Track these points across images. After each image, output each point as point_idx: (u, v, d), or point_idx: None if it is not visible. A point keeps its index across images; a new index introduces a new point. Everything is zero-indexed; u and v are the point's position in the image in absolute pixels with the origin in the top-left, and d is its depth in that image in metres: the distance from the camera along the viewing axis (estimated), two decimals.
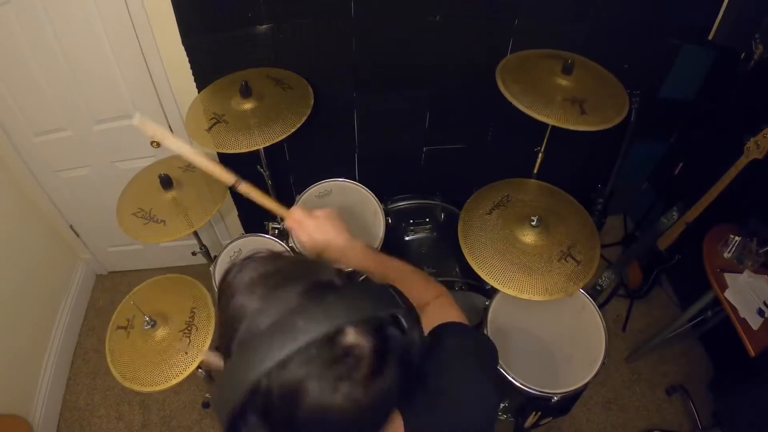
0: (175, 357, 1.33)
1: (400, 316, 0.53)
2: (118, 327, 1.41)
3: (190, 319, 1.40)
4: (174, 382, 1.30)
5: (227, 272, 0.58)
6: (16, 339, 1.97)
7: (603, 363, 1.49)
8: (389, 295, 0.56)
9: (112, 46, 1.66)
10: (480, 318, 1.65)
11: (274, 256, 0.60)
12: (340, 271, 0.59)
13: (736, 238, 1.67)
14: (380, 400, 0.52)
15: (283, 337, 0.48)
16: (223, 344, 0.56)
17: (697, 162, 2.17)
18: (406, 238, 1.96)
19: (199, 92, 1.75)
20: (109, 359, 1.36)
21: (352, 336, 0.50)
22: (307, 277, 0.56)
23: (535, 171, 1.82)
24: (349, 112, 1.99)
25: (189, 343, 1.35)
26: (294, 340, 0.48)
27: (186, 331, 1.37)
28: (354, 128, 2.05)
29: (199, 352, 1.34)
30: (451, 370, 0.75)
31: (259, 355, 0.48)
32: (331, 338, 0.49)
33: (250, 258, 0.59)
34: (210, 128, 1.54)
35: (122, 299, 1.50)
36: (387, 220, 1.81)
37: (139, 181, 1.76)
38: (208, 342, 1.36)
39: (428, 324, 0.81)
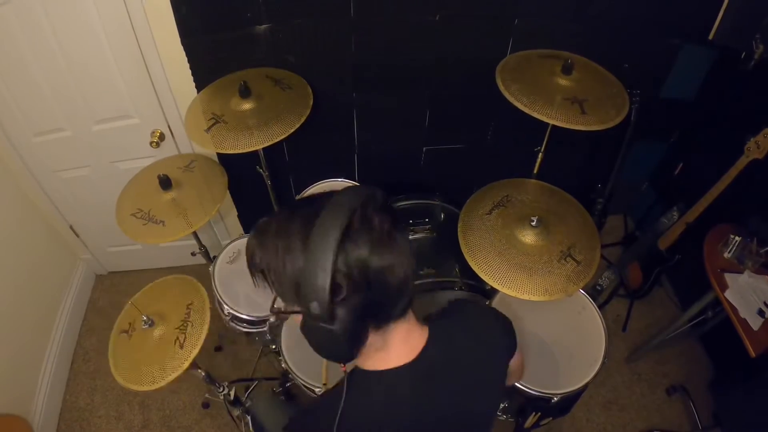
0: (171, 353, 1.33)
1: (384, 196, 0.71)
2: (122, 332, 1.41)
3: (186, 316, 1.39)
4: (170, 378, 1.30)
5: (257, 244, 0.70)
6: (16, 339, 1.97)
7: (603, 363, 1.49)
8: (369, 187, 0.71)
9: (111, 47, 1.66)
10: None
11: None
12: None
13: (737, 238, 1.67)
14: (409, 248, 0.69)
15: (334, 213, 0.62)
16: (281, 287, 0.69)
17: (697, 162, 2.17)
18: None
19: (198, 92, 1.74)
20: (111, 364, 1.36)
21: (373, 204, 0.66)
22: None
23: (535, 171, 1.82)
24: (349, 112, 1.99)
25: (185, 339, 1.35)
26: (342, 210, 0.62)
27: (182, 327, 1.37)
28: (354, 128, 2.05)
29: (194, 347, 1.33)
30: (471, 307, 0.96)
31: (326, 231, 0.61)
32: (365, 206, 0.65)
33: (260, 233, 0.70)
34: (209, 128, 1.54)
35: (122, 299, 1.49)
36: None
37: (138, 182, 1.76)
38: (203, 336, 1.36)
39: None
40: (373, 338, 0.71)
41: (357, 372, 0.77)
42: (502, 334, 0.91)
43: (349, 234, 0.62)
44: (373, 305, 0.67)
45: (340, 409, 0.71)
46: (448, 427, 0.81)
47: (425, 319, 0.82)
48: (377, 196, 0.68)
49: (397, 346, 0.74)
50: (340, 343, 0.65)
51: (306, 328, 0.66)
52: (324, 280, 0.60)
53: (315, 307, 0.62)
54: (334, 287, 0.61)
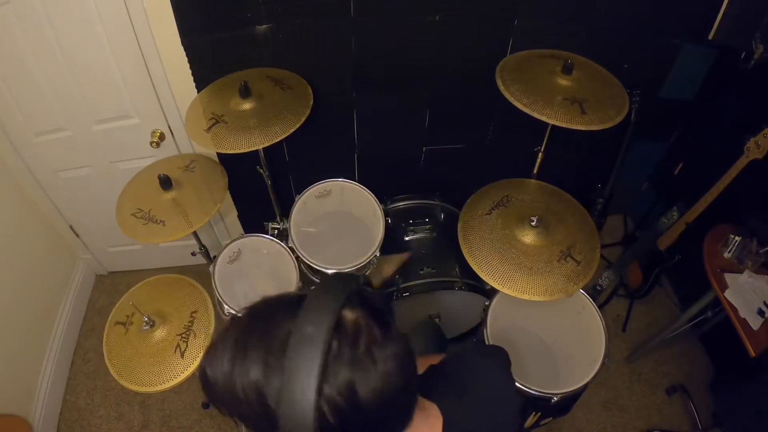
0: (172, 359, 1.33)
1: (362, 284, 0.59)
2: (117, 322, 1.41)
3: (189, 324, 1.39)
4: (169, 384, 1.30)
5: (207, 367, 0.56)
6: (16, 339, 1.97)
7: (603, 363, 1.49)
8: (341, 277, 0.59)
9: (111, 46, 1.65)
10: (480, 318, 1.65)
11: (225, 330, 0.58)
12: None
13: (736, 238, 1.67)
14: (402, 355, 0.55)
15: (306, 350, 0.49)
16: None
17: (697, 162, 2.17)
18: (406, 239, 1.96)
19: (198, 92, 1.74)
20: (105, 354, 1.36)
21: (348, 314, 0.53)
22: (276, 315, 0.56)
23: (535, 171, 1.82)
24: (349, 112, 1.99)
25: (186, 348, 1.35)
26: (315, 346, 0.49)
27: (184, 335, 1.37)
28: (354, 128, 2.05)
29: (195, 357, 1.33)
30: (474, 368, 0.82)
31: (301, 382, 0.48)
32: (337, 326, 0.51)
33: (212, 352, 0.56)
34: (209, 128, 1.54)
35: (122, 297, 1.49)
36: (387, 221, 1.81)
37: (138, 182, 1.76)
38: (206, 348, 1.36)
39: None
40: None
41: None
42: (514, 408, 0.84)
43: (327, 371, 0.49)
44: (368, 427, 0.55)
45: None
46: None
47: (431, 391, 0.72)
48: (351, 301, 0.55)
49: None
50: None
51: None
52: (308, 415, 0.48)
53: None
54: (321, 423, 0.50)
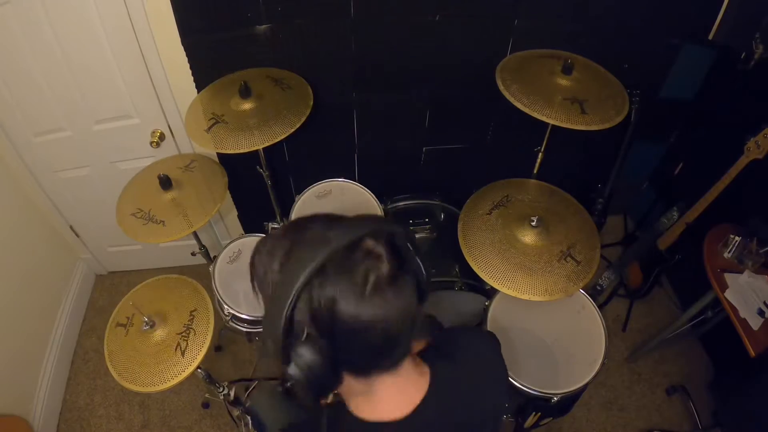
0: (172, 359, 1.32)
1: (404, 235, 0.62)
2: (118, 324, 1.40)
3: (189, 322, 1.39)
4: (170, 384, 1.29)
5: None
6: (16, 339, 1.97)
7: (603, 363, 1.49)
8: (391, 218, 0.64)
9: (111, 46, 1.66)
10: (480, 318, 1.65)
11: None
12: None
13: (736, 238, 1.67)
14: (402, 306, 0.58)
15: (316, 245, 0.56)
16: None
17: (697, 162, 2.17)
18: None
19: (198, 92, 1.75)
20: (107, 356, 1.36)
21: (370, 243, 0.57)
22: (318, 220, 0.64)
23: (535, 171, 1.82)
24: (349, 112, 1.99)
25: (187, 346, 1.35)
26: (324, 247, 0.55)
27: (184, 334, 1.37)
28: (354, 128, 2.05)
29: (196, 355, 1.33)
30: (466, 339, 0.84)
31: (300, 263, 0.55)
32: (352, 245, 0.57)
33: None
34: (209, 128, 1.54)
35: (122, 299, 1.49)
36: None
37: (138, 182, 1.76)
38: (206, 346, 1.36)
39: None
40: (351, 382, 0.64)
41: (341, 411, 0.68)
42: (502, 381, 0.86)
43: (324, 273, 0.55)
44: (343, 355, 0.59)
45: None
46: None
47: (424, 356, 0.74)
48: (380, 235, 0.59)
49: (385, 399, 0.66)
50: (301, 386, 0.58)
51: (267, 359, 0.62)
52: (279, 318, 0.55)
53: (270, 344, 0.57)
54: (290, 327, 0.56)
